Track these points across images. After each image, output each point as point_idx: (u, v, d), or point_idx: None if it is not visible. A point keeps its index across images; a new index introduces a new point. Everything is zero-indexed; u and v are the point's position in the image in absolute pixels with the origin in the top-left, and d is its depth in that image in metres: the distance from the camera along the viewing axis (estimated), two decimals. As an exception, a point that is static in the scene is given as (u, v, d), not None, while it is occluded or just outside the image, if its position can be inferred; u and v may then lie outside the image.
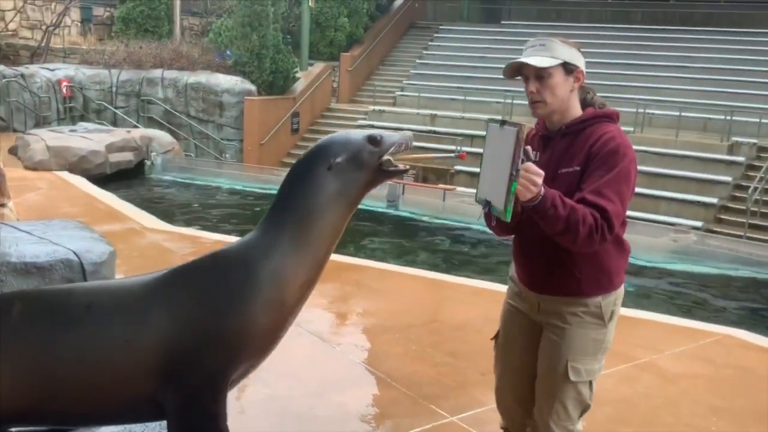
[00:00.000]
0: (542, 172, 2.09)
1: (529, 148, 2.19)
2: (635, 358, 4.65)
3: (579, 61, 2.36)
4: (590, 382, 2.43)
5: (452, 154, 11.68)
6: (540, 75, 2.30)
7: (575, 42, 2.41)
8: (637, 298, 8.06)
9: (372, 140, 2.16)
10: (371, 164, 2.16)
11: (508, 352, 2.62)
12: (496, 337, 2.70)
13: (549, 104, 2.33)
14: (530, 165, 2.08)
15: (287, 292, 2.07)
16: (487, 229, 2.50)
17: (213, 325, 1.97)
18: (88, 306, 2.02)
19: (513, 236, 2.53)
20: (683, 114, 16.28)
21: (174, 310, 2.00)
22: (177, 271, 2.13)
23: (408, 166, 2.32)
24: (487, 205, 2.19)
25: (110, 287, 2.17)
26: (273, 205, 2.18)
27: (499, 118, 2.29)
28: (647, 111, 16.70)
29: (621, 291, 2.47)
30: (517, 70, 2.36)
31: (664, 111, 17.24)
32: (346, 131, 2.32)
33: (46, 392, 1.94)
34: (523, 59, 2.32)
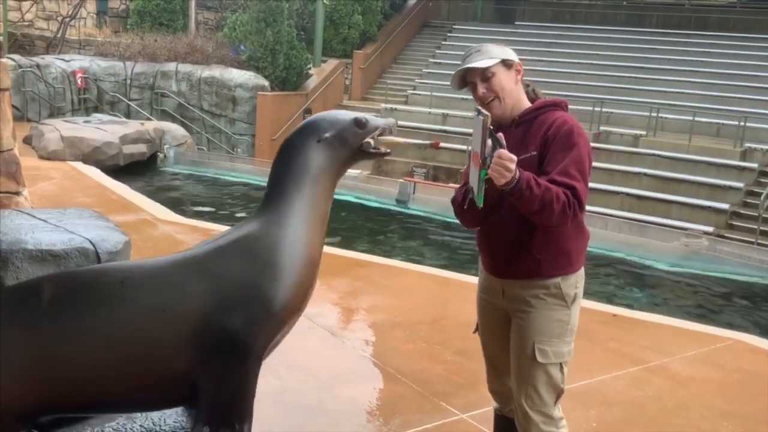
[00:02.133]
0: (514, 157, 2.18)
1: (501, 135, 2.26)
2: (646, 360, 4.65)
3: (513, 56, 2.54)
4: (560, 365, 2.50)
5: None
6: (485, 76, 2.46)
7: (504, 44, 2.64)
8: (648, 301, 8.05)
9: (358, 122, 2.35)
10: (354, 144, 2.36)
11: (487, 341, 2.75)
12: (477, 329, 2.80)
13: (503, 99, 2.48)
14: (503, 151, 2.16)
15: (311, 254, 2.20)
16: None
17: (251, 296, 2.00)
18: (122, 281, 2.05)
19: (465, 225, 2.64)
20: (696, 119, 16.19)
21: (209, 282, 2.03)
22: (208, 247, 2.17)
23: (387, 150, 2.49)
24: (470, 191, 2.30)
25: (142, 264, 2.21)
26: (271, 180, 2.32)
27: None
28: (660, 115, 16.63)
29: (581, 273, 2.56)
30: (462, 81, 2.51)
31: (676, 115, 17.16)
32: (335, 111, 2.52)
33: (81, 375, 1.95)
34: (468, 64, 2.47)
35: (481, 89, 2.47)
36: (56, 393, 1.96)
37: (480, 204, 2.21)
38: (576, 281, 2.52)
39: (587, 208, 2.49)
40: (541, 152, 2.40)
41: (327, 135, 2.31)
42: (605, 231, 10.87)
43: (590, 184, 2.49)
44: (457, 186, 2.70)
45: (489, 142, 2.16)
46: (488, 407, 3.78)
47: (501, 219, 2.44)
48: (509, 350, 2.60)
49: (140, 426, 2.28)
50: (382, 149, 2.46)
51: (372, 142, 2.41)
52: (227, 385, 1.97)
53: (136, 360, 1.96)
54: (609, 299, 7.62)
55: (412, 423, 3.57)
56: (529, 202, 2.22)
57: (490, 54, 2.49)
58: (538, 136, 2.43)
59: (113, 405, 2.07)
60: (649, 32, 23.01)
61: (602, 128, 16.51)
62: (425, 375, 4.16)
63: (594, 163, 2.56)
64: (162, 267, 2.11)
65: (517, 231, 2.41)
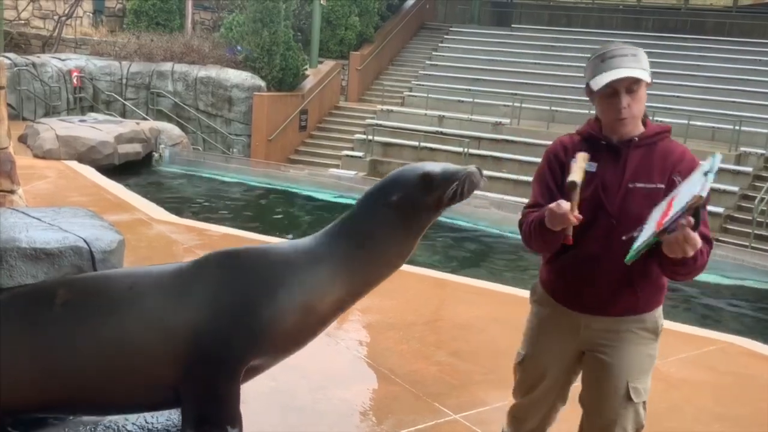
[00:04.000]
0: (699, 240, 1.94)
1: (589, 159, 2.11)
2: (638, 362, 4.65)
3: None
4: (644, 401, 2.35)
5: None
6: (631, 89, 2.19)
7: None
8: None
9: (425, 180, 2.14)
10: (428, 203, 2.16)
11: (537, 377, 2.46)
12: (521, 361, 2.53)
13: (636, 118, 2.24)
14: (693, 235, 1.90)
15: (320, 302, 2.08)
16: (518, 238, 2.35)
17: (240, 313, 1.99)
18: (130, 287, 2.07)
19: (547, 253, 2.36)
20: (691, 122, 16.27)
21: (207, 293, 2.03)
22: (221, 255, 2.16)
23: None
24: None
25: (150, 271, 2.22)
26: (337, 223, 2.20)
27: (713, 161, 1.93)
28: (655, 118, 16.66)
29: None
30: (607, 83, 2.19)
31: (672, 119, 17.22)
32: (412, 166, 2.27)
33: (82, 377, 1.97)
34: (628, 72, 2.17)
35: (626, 101, 2.18)
36: (52, 392, 1.97)
37: (627, 260, 2.00)
38: (661, 312, 2.39)
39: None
40: (669, 187, 2.14)
41: (395, 198, 2.15)
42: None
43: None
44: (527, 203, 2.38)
45: (671, 205, 1.90)
46: (481, 408, 3.80)
47: (602, 253, 2.19)
48: (559, 390, 2.45)
49: (132, 424, 2.28)
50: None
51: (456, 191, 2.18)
52: (208, 398, 1.97)
53: (131, 365, 1.99)
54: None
55: (405, 423, 3.57)
56: (684, 264, 2.04)
57: (643, 63, 2.22)
58: (663, 166, 2.20)
59: (107, 406, 2.08)
60: (645, 36, 23.09)
61: (598, 131, 16.55)
62: (419, 376, 4.16)
63: (589, 166, 2.50)
64: (168, 273, 2.12)
65: (617, 267, 2.14)
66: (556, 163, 2.29)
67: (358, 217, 2.16)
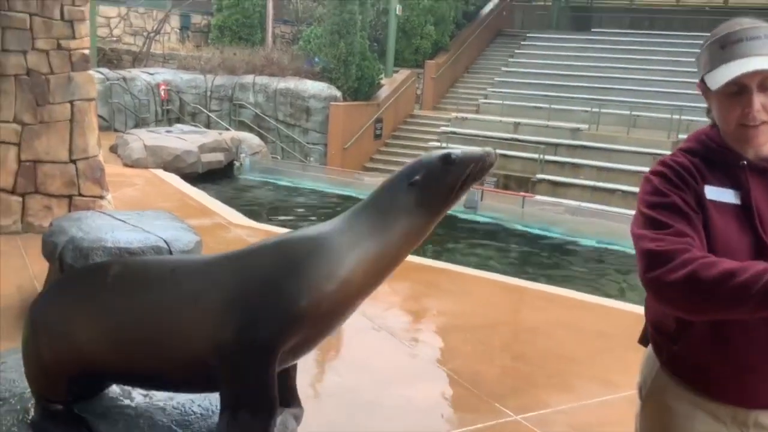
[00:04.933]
0: None
1: None
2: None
3: None
4: None
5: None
6: (765, 85, 1.57)
7: None
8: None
9: (446, 159, 2.21)
10: (450, 183, 2.19)
11: None
12: None
13: None
14: None
15: (345, 279, 2.13)
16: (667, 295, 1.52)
17: (270, 291, 2.10)
18: (172, 270, 2.24)
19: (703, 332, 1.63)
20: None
21: (239, 273, 2.15)
22: (256, 243, 2.31)
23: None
24: None
25: (196, 257, 2.41)
26: (364, 201, 2.29)
27: None
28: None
29: None
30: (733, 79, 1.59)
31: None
32: (435, 152, 2.33)
33: (126, 346, 2.16)
34: (764, 64, 1.56)
35: (758, 102, 1.57)
36: (101, 353, 2.18)
37: None
38: None
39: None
40: None
41: (418, 177, 2.20)
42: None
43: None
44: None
45: None
46: (543, 410, 3.80)
47: None
48: None
49: (173, 408, 2.43)
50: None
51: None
52: (239, 375, 2.07)
53: (167, 338, 2.13)
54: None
55: (465, 422, 3.62)
56: None
57: None
58: None
59: (151, 377, 2.23)
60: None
61: (681, 136, 16.00)
62: (481, 377, 4.19)
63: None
64: (209, 259, 2.27)
65: None
66: (688, 189, 1.62)
67: (383, 196, 2.23)
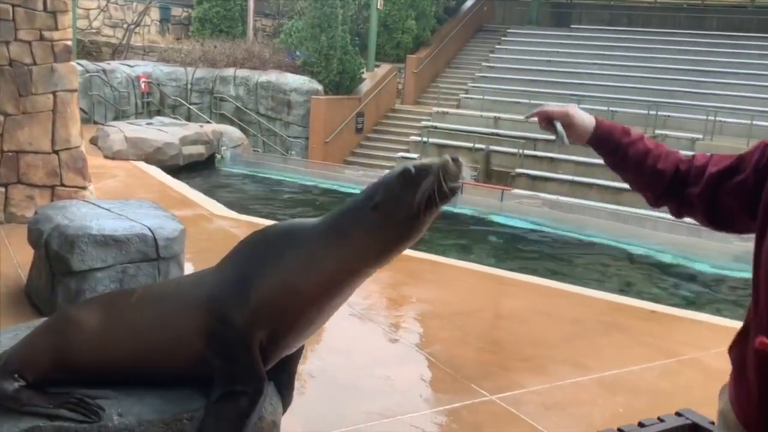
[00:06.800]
0: None
1: None
2: (679, 354, 4.71)
3: None
4: None
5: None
6: None
7: None
8: (693, 300, 8.01)
9: (404, 176, 2.10)
10: (415, 201, 2.05)
11: None
12: None
13: None
14: None
15: (303, 284, 2.23)
16: None
17: (241, 285, 2.26)
18: (178, 283, 2.57)
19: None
20: (755, 122, 15.83)
21: (220, 272, 2.36)
22: (236, 248, 2.45)
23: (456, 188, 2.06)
24: None
25: (199, 271, 2.59)
26: (335, 212, 2.30)
27: None
28: (718, 119, 16.32)
29: None
30: None
31: (735, 119, 16.80)
32: (400, 168, 2.20)
33: (132, 349, 2.36)
34: None
35: None
36: (120, 354, 2.38)
37: None
38: None
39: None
40: None
41: (378, 199, 2.12)
42: (655, 232, 10.87)
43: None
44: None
45: None
46: (517, 391, 3.95)
47: None
48: None
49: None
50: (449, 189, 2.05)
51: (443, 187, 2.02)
52: (221, 361, 2.25)
53: (172, 339, 2.33)
54: (655, 299, 7.60)
55: (442, 401, 3.76)
56: None
57: None
58: None
59: (161, 372, 2.39)
60: (709, 35, 22.54)
61: (657, 132, 16.30)
62: (459, 360, 4.33)
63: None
64: (208, 270, 2.46)
65: None
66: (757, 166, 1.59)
67: (347, 219, 2.24)
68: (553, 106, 1.86)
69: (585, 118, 1.82)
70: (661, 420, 1.90)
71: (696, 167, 1.70)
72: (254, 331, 2.24)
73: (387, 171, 2.31)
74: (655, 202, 1.79)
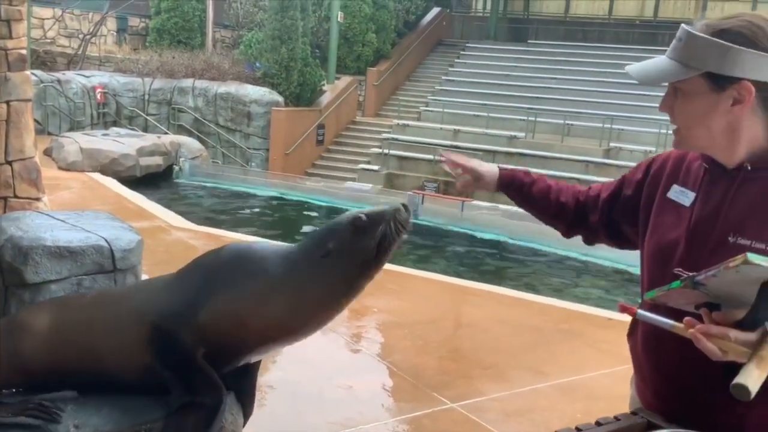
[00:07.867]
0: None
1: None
2: (635, 360, 4.81)
3: (746, 66, 1.38)
4: None
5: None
6: (675, 87, 1.53)
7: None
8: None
9: (354, 225, 2.10)
10: (366, 250, 2.07)
11: None
12: None
13: (685, 137, 1.51)
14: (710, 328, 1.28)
15: (252, 318, 2.18)
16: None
17: (190, 305, 2.23)
18: (131, 289, 2.64)
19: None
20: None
21: (173, 287, 2.33)
22: (194, 261, 2.42)
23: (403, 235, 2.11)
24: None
25: (154, 278, 2.58)
26: (294, 249, 2.23)
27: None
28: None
29: None
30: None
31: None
32: (355, 211, 2.19)
33: (86, 349, 2.33)
34: (636, 69, 1.59)
35: (665, 104, 1.58)
36: (67, 358, 2.34)
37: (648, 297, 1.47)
38: None
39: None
40: None
41: (330, 246, 2.10)
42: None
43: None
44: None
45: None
46: (478, 398, 3.99)
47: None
48: None
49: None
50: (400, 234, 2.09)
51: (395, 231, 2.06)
52: (173, 372, 2.22)
53: (116, 344, 2.30)
54: (611, 307, 7.75)
55: (404, 410, 3.77)
56: None
57: (692, 52, 1.50)
58: None
59: (106, 377, 2.34)
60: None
61: (612, 144, 16.67)
62: (420, 369, 4.35)
63: (603, 179, 1.88)
64: (162, 277, 2.45)
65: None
66: (644, 177, 1.75)
67: (302, 258, 2.18)
68: (462, 159, 2.00)
69: (490, 168, 1.98)
70: (617, 419, 1.97)
71: (591, 197, 1.87)
72: (199, 349, 2.22)
73: (335, 218, 2.25)
74: (567, 233, 1.95)
